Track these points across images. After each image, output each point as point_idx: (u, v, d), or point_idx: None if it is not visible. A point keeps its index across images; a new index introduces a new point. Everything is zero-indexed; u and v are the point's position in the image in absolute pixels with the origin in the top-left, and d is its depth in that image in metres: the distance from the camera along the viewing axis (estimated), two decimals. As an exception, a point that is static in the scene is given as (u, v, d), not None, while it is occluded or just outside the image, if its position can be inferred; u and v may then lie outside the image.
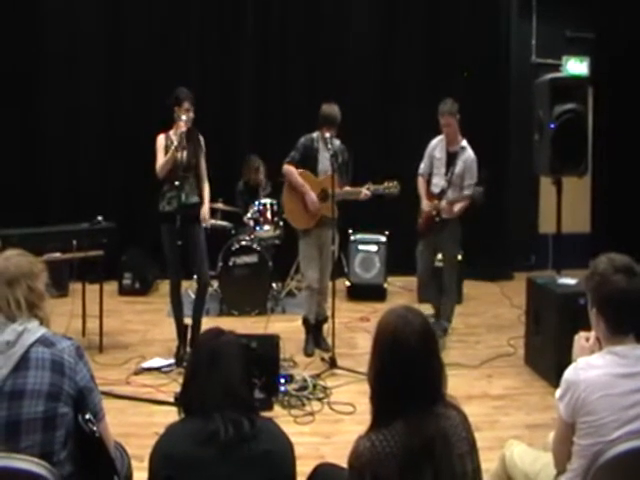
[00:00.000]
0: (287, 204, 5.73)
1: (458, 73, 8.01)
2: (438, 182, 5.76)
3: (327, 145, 5.38)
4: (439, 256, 6.04)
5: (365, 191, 5.48)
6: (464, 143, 5.73)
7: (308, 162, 5.55)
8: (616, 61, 8.03)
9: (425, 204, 5.79)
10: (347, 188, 5.54)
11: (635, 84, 7.77)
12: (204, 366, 2.18)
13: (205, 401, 2.14)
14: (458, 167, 5.66)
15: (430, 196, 5.80)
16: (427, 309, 5.70)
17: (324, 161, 5.51)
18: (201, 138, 5.40)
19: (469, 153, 5.70)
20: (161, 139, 5.28)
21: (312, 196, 5.51)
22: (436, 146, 5.82)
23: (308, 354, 5.59)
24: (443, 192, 5.70)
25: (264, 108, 8.13)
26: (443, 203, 5.64)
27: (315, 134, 5.56)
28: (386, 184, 5.54)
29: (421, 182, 5.88)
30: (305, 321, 5.77)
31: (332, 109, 5.47)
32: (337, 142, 5.53)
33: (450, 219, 5.69)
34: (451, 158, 5.71)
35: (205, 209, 5.40)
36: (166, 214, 5.24)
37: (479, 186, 5.61)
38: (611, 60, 8.10)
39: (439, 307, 5.99)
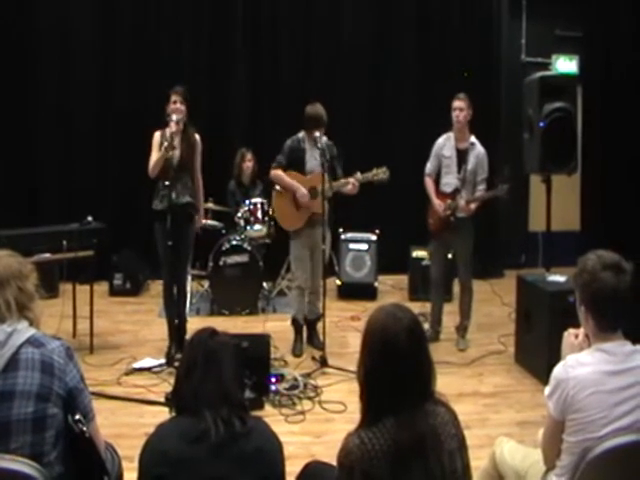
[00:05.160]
0: (278, 209, 5.71)
1: (449, 72, 8.03)
2: (450, 181, 5.62)
3: (317, 144, 5.31)
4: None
5: (352, 181, 5.39)
6: (473, 139, 5.63)
7: (295, 164, 5.51)
8: (605, 59, 8.05)
9: (438, 204, 5.61)
10: (339, 181, 5.45)
11: (624, 82, 7.80)
12: (199, 366, 2.18)
13: (198, 400, 2.14)
14: (470, 164, 5.56)
15: (441, 196, 5.65)
16: (417, 307, 5.70)
17: (312, 161, 5.49)
18: (197, 137, 5.36)
19: (479, 148, 5.61)
20: (157, 136, 5.26)
21: (302, 190, 5.47)
22: (444, 145, 5.67)
23: (296, 355, 5.56)
24: (457, 191, 5.57)
25: (257, 108, 8.11)
26: (461, 202, 5.52)
27: (301, 134, 5.52)
28: (375, 171, 5.43)
29: (429, 182, 5.72)
30: (294, 321, 5.75)
31: (317, 109, 5.40)
32: (324, 139, 5.47)
33: (465, 217, 5.60)
34: (462, 155, 5.59)
35: (199, 214, 5.50)
36: (158, 212, 5.23)
37: (504, 184, 5.47)
38: (600, 58, 8.13)
39: (439, 312, 5.92)
